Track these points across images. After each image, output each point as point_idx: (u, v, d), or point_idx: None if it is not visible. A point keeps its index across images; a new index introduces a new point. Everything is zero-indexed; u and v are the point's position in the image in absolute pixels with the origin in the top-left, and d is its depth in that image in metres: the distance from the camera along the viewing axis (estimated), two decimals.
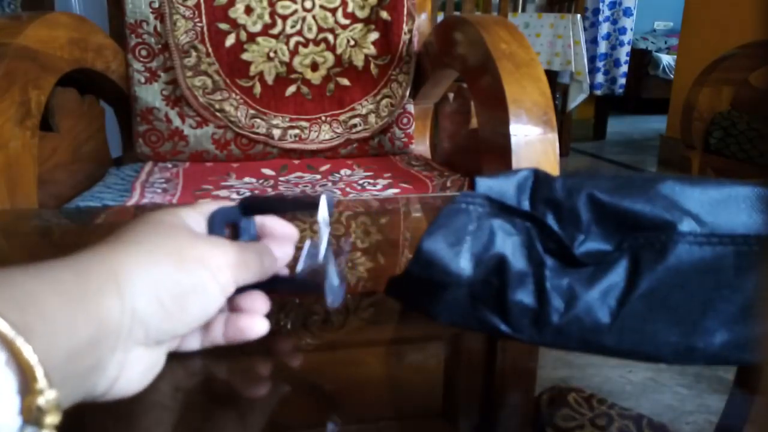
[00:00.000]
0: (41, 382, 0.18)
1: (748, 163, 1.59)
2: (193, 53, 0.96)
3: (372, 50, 1.02)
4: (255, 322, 0.28)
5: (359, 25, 1.02)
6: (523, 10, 3.31)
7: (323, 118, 1.02)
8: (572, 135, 3.23)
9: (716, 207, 0.29)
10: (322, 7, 1.00)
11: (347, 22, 1.01)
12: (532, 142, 0.70)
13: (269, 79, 1.00)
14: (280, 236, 0.32)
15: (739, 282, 0.28)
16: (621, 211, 0.29)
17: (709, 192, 0.29)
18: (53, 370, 0.19)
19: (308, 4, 1.00)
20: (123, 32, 0.96)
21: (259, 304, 0.29)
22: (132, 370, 0.24)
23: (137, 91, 0.96)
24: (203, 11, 0.97)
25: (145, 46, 0.97)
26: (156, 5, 0.96)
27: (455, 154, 1.01)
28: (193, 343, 0.28)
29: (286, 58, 1.00)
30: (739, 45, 1.71)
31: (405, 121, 1.06)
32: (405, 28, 1.03)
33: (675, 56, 3.35)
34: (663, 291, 0.28)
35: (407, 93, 1.04)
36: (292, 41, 1.00)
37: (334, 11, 1.01)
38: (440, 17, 1.17)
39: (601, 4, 3.35)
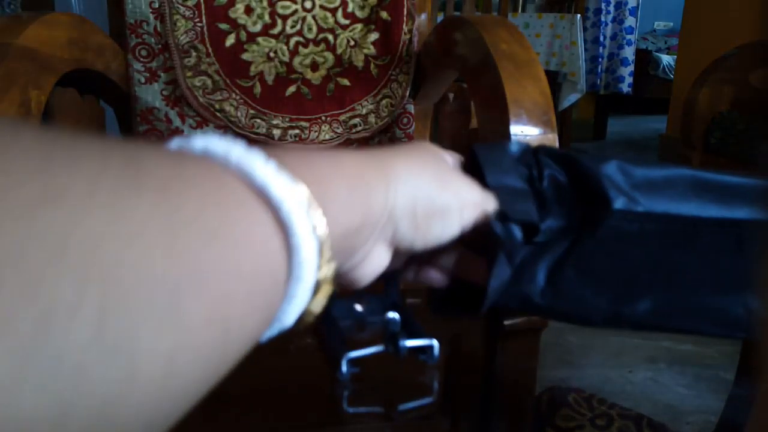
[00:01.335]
0: (327, 254, 0.20)
1: (748, 163, 1.59)
2: (193, 53, 0.96)
3: (372, 50, 1.02)
4: (441, 276, 0.32)
5: (359, 25, 1.02)
6: (523, 10, 3.31)
7: (323, 118, 1.02)
8: (572, 135, 3.22)
9: (653, 188, 0.31)
10: (322, 7, 1.00)
11: (347, 22, 1.01)
12: (532, 142, 0.70)
13: (269, 79, 1.00)
14: None
15: (665, 256, 0.30)
16: (573, 189, 0.32)
17: (650, 173, 0.31)
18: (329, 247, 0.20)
19: (308, 4, 1.00)
20: (123, 32, 0.96)
21: (446, 259, 0.32)
22: (370, 263, 0.26)
23: (137, 91, 0.96)
24: (203, 11, 0.97)
25: (145, 46, 0.97)
26: (156, 5, 0.96)
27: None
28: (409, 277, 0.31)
29: (286, 58, 1.00)
30: (739, 45, 1.71)
31: (405, 121, 1.06)
32: (405, 28, 1.03)
33: (675, 56, 3.35)
34: (593, 262, 0.31)
35: (407, 93, 1.04)
36: (292, 41, 1.00)
37: (334, 11, 1.01)
38: (440, 17, 1.16)
39: (604, 4, 3.34)
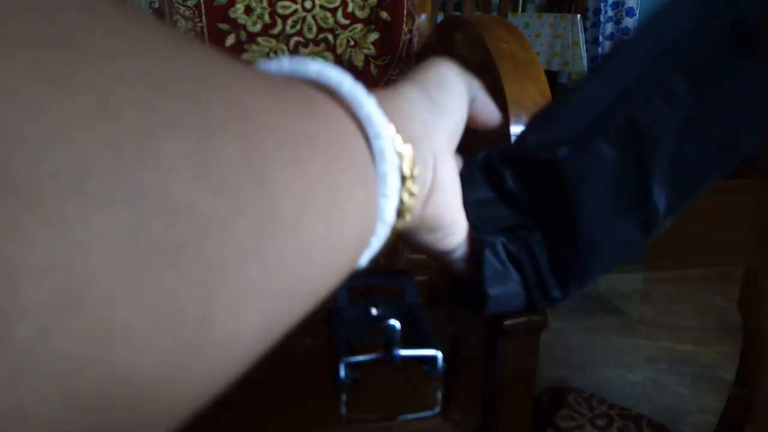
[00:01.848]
0: (402, 140, 0.22)
1: (747, 163, 1.59)
2: None
3: (372, 50, 1.02)
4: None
5: (359, 26, 1.02)
6: (523, 10, 3.31)
7: None
8: None
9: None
10: (322, 7, 1.00)
11: (347, 22, 1.01)
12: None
13: None
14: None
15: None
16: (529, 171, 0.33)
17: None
18: None
19: (308, 5, 1.00)
20: None
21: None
22: (443, 170, 0.27)
23: None
24: (203, 11, 0.97)
25: None
26: (156, 5, 0.96)
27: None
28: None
29: None
30: None
31: None
32: (405, 28, 1.03)
33: None
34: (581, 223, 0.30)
35: None
36: (292, 41, 1.00)
37: (334, 11, 1.01)
38: (440, 17, 1.16)
39: (602, 5, 3.33)
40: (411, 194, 0.22)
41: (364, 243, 0.21)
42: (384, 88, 0.27)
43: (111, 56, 0.11)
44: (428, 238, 0.28)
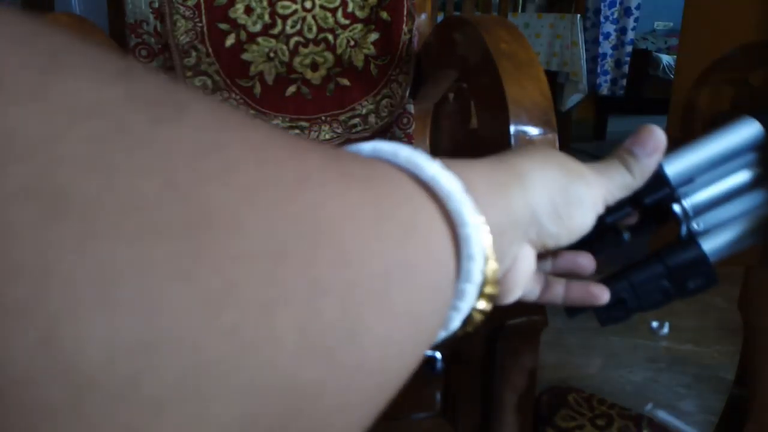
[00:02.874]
0: (490, 249, 0.20)
1: None
2: (194, 53, 0.96)
3: (372, 50, 1.02)
4: (601, 289, 0.31)
5: (359, 26, 1.02)
6: (523, 10, 3.31)
7: (323, 118, 1.02)
8: (572, 135, 3.22)
9: None
10: (322, 7, 1.00)
11: (347, 22, 1.01)
12: (532, 142, 0.70)
13: (269, 79, 1.00)
14: (647, 143, 0.31)
15: None
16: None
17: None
18: None
19: (308, 4, 1.00)
20: (123, 32, 0.96)
21: (584, 261, 0.32)
22: (519, 268, 0.26)
23: None
24: (203, 11, 0.97)
25: (145, 47, 0.97)
26: (156, 5, 0.96)
27: (455, 154, 1.01)
28: (531, 296, 0.31)
29: (286, 58, 1.00)
30: (739, 45, 1.71)
31: (405, 121, 1.06)
32: (405, 28, 1.03)
33: (675, 56, 3.35)
34: None
35: (407, 93, 1.04)
36: (292, 41, 1.00)
37: (334, 11, 1.01)
38: (440, 17, 1.16)
39: (602, 4, 3.33)
40: (486, 302, 0.21)
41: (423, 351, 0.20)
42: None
43: (241, 229, 0.11)
44: None
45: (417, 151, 0.19)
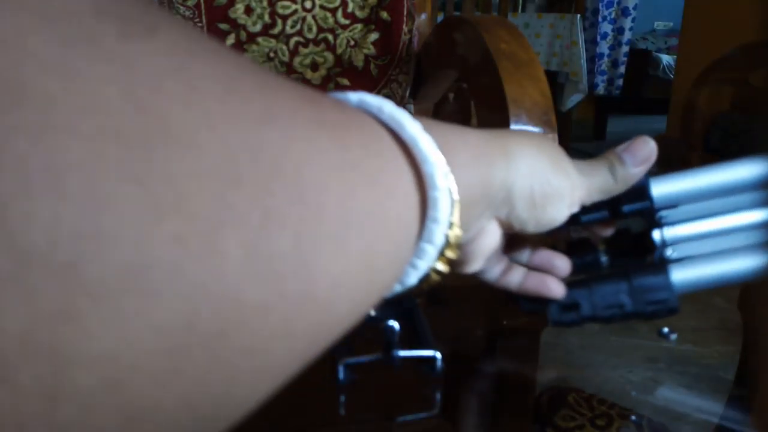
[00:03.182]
0: (457, 215, 0.21)
1: None
2: None
3: (372, 50, 1.02)
4: (558, 284, 0.31)
5: (359, 26, 1.02)
6: (523, 10, 3.31)
7: None
8: (572, 135, 3.23)
9: None
10: (322, 7, 1.00)
11: (347, 22, 1.01)
12: None
13: None
14: (637, 153, 0.31)
15: None
16: None
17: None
18: None
19: (308, 5, 1.00)
20: None
21: (560, 263, 0.32)
22: (483, 240, 0.27)
23: None
24: (203, 11, 0.97)
25: None
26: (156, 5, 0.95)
27: None
28: (491, 276, 0.31)
29: (286, 59, 1.00)
30: (739, 45, 1.71)
31: None
32: (405, 28, 1.03)
33: (675, 56, 3.35)
34: None
35: (407, 93, 1.04)
36: (292, 41, 1.00)
37: (334, 11, 1.01)
38: (440, 17, 1.17)
39: (600, 4, 3.34)
40: (445, 264, 0.22)
41: (397, 276, 0.20)
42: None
43: (197, 147, 0.12)
44: None
45: (401, 109, 0.20)
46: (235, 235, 0.12)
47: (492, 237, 0.27)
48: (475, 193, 0.24)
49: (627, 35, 3.43)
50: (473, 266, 0.28)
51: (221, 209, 0.12)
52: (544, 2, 3.49)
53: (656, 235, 0.32)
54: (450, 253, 0.21)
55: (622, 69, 3.44)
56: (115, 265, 0.10)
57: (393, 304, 0.36)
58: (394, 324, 0.30)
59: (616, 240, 0.35)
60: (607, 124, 3.65)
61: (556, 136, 0.70)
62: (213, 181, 0.12)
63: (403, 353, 0.30)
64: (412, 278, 0.21)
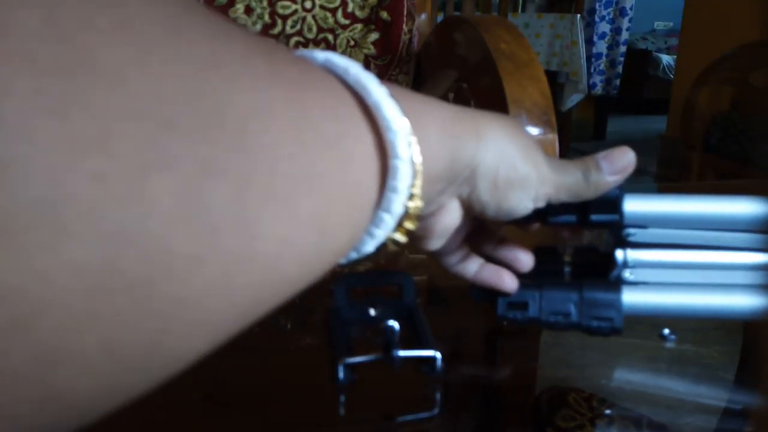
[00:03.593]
0: (418, 186, 0.20)
1: (748, 163, 1.59)
2: None
3: (372, 50, 1.02)
4: (512, 279, 0.31)
5: (359, 26, 1.02)
6: (523, 10, 3.31)
7: None
8: (572, 135, 3.22)
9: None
10: (322, 7, 1.00)
11: (347, 22, 1.01)
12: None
13: None
14: (616, 162, 0.30)
15: None
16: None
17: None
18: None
19: (308, 5, 1.00)
20: None
21: (524, 257, 0.32)
22: (442, 217, 0.26)
23: None
24: None
25: None
26: None
27: None
28: (448, 262, 0.31)
29: None
30: (739, 45, 1.71)
31: None
32: (405, 28, 1.03)
33: (675, 56, 3.35)
34: None
35: None
36: (292, 41, 1.00)
37: (334, 11, 1.01)
38: (440, 17, 1.16)
39: (597, 4, 3.34)
40: (402, 235, 0.21)
41: (353, 241, 0.20)
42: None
43: (126, 85, 0.11)
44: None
45: (368, 73, 0.19)
46: (164, 181, 0.12)
47: (452, 215, 0.27)
48: (440, 167, 0.23)
49: (624, 35, 3.43)
50: (432, 243, 0.28)
51: (149, 151, 0.11)
52: (544, 2, 3.49)
53: (619, 254, 0.32)
54: (409, 224, 0.21)
55: (619, 69, 3.44)
56: (24, 197, 0.10)
57: (393, 304, 0.36)
58: (394, 324, 0.30)
59: (582, 255, 0.35)
60: (607, 124, 3.65)
61: (556, 136, 0.70)
62: (142, 122, 0.11)
63: (403, 353, 0.30)
64: (369, 246, 0.21)
